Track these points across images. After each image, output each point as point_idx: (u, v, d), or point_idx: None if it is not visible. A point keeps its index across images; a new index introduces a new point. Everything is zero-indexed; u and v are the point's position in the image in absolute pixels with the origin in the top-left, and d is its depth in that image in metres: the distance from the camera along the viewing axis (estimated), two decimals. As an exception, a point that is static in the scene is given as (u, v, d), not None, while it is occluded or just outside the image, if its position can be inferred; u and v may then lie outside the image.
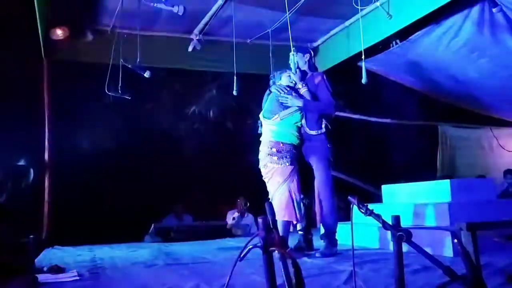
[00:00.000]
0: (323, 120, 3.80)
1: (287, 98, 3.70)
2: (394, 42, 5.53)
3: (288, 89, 3.76)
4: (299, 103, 3.71)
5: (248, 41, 5.95)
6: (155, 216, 6.28)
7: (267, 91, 3.91)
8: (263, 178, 3.75)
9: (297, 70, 3.88)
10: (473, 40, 4.98)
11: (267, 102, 3.83)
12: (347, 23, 5.72)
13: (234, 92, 4.97)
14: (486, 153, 7.69)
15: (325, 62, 6.07)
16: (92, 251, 4.62)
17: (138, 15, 4.61)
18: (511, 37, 4.74)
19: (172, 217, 6.58)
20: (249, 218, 6.56)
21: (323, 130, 3.78)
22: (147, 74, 4.54)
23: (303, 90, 3.80)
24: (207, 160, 7.55)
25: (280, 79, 3.87)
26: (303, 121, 3.78)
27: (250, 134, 7.55)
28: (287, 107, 3.70)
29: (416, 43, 5.41)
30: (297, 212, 3.54)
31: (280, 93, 3.73)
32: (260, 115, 3.87)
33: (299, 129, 3.76)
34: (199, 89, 7.50)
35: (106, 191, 6.17)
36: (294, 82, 3.85)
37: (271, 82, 3.96)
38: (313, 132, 3.77)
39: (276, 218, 3.45)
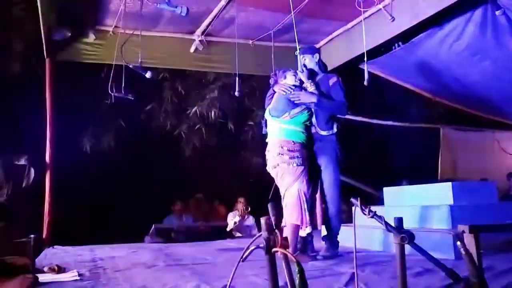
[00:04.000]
0: (334, 121, 3.76)
1: (300, 94, 3.60)
2: (396, 45, 5.53)
3: (294, 87, 3.65)
4: (313, 99, 3.59)
5: (250, 42, 5.95)
6: (156, 216, 6.27)
7: (270, 91, 3.84)
8: (275, 181, 3.64)
9: (304, 68, 3.82)
10: (476, 43, 4.97)
11: (275, 101, 3.70)
12: (349, 25, 5.71)
13: (236, 93, 4.96)
14: (488, 156, 7.67)
15: (327, 63, 6.07)
16: (93, 251, 4.61)
17: (141, 16, 4.61)
18: (514, 40, 4.73)
19: (173, 218, 6.58)
20: (249, 220, 6.54)
21: (335, 130, 3.74)
22: (148, 75, 4.54)
23: (312, 89, 3.68)
24: (208, 161, 7.56)
25: (285, 77, 3.75)
26: (314, 120, 3.71)
27: (251, 135, 7.60)
28: (297, 105, 3.59)
29: (418, 46, 5.40)
30: (305, 215, 3.44)
31: (289, 91, 3.61)
32: (266, 115, 3.75)
33: (308, 128, 3.67)
34: (201, 90, 7.51)
35: (107, 191, 6.17)
36: (300, 80, 3.74)
37: (271, 80, 3.86)
38: (324, 133, 3.72)
39: (286, 221, 3.44)
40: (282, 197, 3.56)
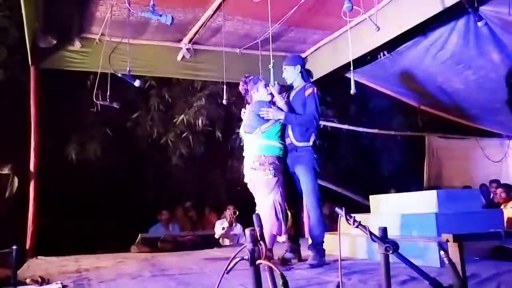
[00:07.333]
0: (312, 132, 3.77)
1: (268, 111, 3.64)
2: (382, 54, 5.60)
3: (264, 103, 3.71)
4: (281, 116, 3.67)
5: (238, 50, 5.97)
6: (142, 225, 6.21)
7: (243, 109, 3.88)
8: (253, 193, 3.72)
9: (275, 83, 3.83)
10: (459, 52, 5.06)
11: (246, 117, 3.79)
12: (335, 34, 5.77)
13: (224, 101, 4.97)
14: (473, 164, 7.78)
15: (313, 72, 6.12)
16: (78, 261, 4.54)
17: (128, 24, 4.59)
18: (495, 50, 4.83)
19: (160, 227, 6.52)
20: (238, 228, 6.52)
21: (311, 143, 3.75)
22: (137, 83, 4.51)
23: (281, 103, 3.74)
24: (195, 169, 7.53)
25: (257, 90, 3.81)
26: (290, 132, 3.75)
27: (238, 143, 7.59)
28: (267, 120, 3.65)
29: (403, 55, 5.48)
30: (281, 225, 3.53)
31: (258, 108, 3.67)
32: (240, 130, 3.84)
33: (282, 139, 3.72)
34: (188, 98, 7.50)
35: (92, 201, 6.10)
36: (271, 94, 3.79)
37: (241, 88, 3.85)
38: (300, 144, 3.74)
39: (263, 231, 3.46)
40: (257, 208, 3.62)
